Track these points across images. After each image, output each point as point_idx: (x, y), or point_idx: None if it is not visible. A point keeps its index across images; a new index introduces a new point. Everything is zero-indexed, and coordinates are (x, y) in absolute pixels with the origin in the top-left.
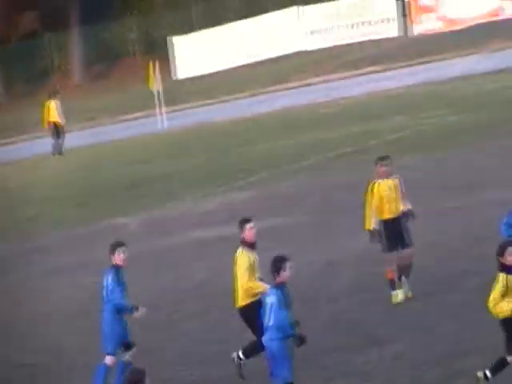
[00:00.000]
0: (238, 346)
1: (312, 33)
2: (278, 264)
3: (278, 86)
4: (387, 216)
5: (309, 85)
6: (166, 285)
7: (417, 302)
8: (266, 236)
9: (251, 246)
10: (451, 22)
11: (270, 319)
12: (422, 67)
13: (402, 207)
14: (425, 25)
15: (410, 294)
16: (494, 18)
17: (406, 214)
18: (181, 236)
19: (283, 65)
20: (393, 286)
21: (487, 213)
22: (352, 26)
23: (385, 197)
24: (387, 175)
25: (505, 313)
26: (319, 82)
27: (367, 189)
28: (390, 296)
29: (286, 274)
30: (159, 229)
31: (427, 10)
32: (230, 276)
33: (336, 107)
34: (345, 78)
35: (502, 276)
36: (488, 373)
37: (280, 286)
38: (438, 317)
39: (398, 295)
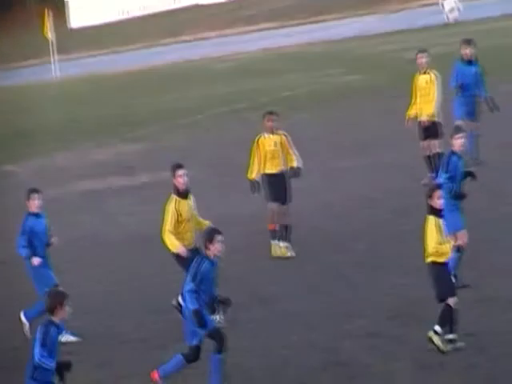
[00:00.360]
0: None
1: None
2: (208, 236)
3: (172, 39)
4: (270, 170)
5: (203, 39)
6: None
7: (303, 261)
8: (161, 188)
9: (182, 193)
10: None
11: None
12: (318, 26)
13: (289, 163)
14: None
15: (290, 254)
16: None
17: (293, 171)
18: (70, 186)
19: (178, 18)
20: (273, 236)
21: (378, 174)
22: None
23: (269, 152)
24: (273, 130)
25: (446, 255)
26: (214, 37)
27: (254, 141)
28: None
29: (215, 248)
30: (48, 178)
31: None
32: (117, 227)
33: (230, 62)
34: (240, 33)
35: (432, 219)
36: (437, 328)
37: (209, 258)
38: (324, 277)
39: (279, 249)
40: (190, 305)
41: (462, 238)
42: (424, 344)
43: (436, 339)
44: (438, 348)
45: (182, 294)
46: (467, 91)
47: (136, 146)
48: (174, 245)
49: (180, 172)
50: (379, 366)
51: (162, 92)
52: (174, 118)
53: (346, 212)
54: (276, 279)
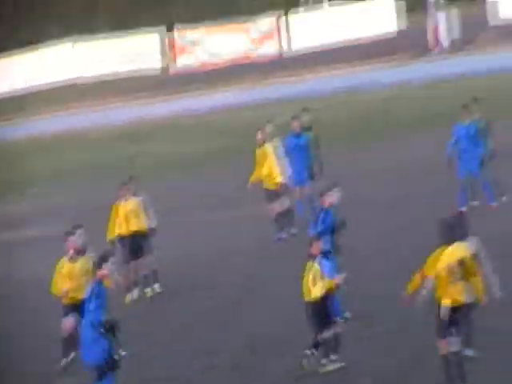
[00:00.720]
0: None
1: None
2: (99, 260)
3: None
4: (124, 232)
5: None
6: None
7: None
8: None
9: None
10: (209, 61)
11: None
12: (181, 99)
13: (144, 224)
14: (185, 62)
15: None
16: (247, 57)
17: (149, 231)
18: None
19: (49, 93)
20: (127, 289)
21: (232, 228)
22: (119, 62)
23: (122, 216)
24: (127, 196)
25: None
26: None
27: (112, 207)
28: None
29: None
30: None
31: (186, 48)
32: None
33: (103, 133)
34: (111, 104)
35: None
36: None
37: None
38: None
39: (132, 295)
40: None
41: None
42: None
43: None
44: None
45: None
46: None
47: None
48: None
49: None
50: None
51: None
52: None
53: (206, 262)
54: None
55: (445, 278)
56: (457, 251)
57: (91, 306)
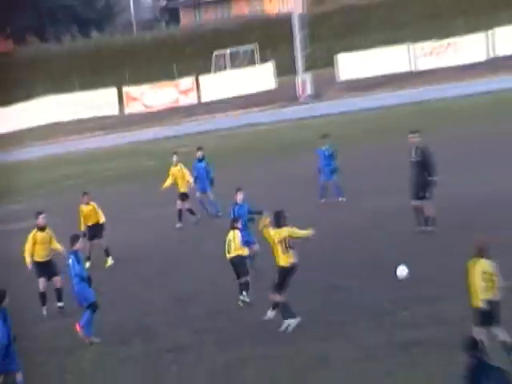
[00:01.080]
0: None
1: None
2: (73, 239)
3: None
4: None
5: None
6: None
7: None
8: None
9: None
10: (148, 106)
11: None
12: (130, 134)
13: (99, 219)
14: (133, 108)
15: None
16: (175, 104)
17: (101, 224)
18: None
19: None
20: (88, 258)
21: (161, 220)
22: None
23: (85, 214)
24: (87, 202)
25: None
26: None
27: (78, 208)
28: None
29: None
30: None
31: (135, 98)
32: None
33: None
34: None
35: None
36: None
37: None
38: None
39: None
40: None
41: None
42: None
43: None
44: None
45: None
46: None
47: None
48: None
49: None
50: None
51: None
52: None
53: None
54: None
55: None
56: None
57: (77, 268)
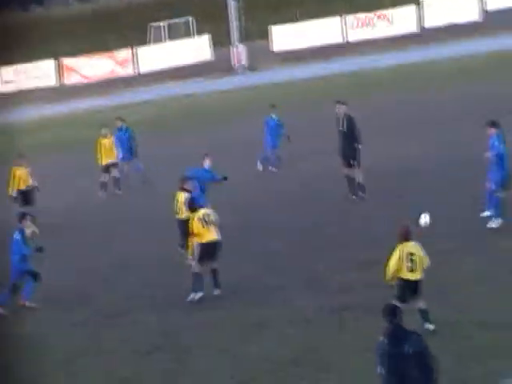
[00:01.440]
0: None
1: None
2: (20, 217)
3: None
4: (21, 188)
5: None
6: None
7: None
8: None
9: None
10: (87, 77)
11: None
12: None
13: (30, 183)
14: (71, 79)
15: None
16: (113, 75)
17: (33, 187)
18: None
19: None
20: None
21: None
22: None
23: (17, 177)
24: (21, 165)
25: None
26: None
27: (10, 170)
28: None
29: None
30: None
31: (72, 69)
32: None
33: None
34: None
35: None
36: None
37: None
38: None
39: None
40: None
41: None
42: None
43: None
44: None
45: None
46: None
47: None
48: None
49: None
50: None
51: None
52: None
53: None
54: None
55: None
56: None
57: (22, 246)
